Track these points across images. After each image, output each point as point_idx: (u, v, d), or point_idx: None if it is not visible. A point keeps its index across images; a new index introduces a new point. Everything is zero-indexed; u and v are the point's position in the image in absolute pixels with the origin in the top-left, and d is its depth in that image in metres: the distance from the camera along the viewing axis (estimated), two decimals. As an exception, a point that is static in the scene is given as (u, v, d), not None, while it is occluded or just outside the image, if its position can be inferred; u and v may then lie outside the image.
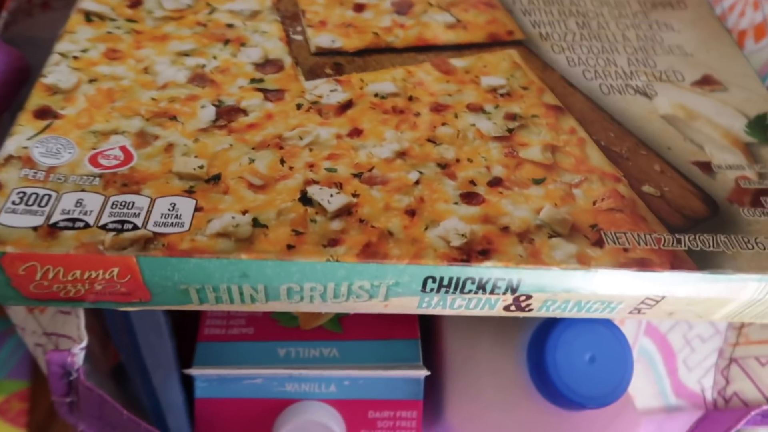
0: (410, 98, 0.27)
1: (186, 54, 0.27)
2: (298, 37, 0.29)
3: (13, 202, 0.21)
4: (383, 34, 0.30)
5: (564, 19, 0.32)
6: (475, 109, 0.27)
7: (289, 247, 0.21)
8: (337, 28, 0.30)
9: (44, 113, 0.24)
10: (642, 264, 0.22)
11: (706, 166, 0.26)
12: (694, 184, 0.25)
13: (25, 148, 0.22)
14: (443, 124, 0.26)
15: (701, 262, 0.22)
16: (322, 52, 0.29)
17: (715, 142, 0.27)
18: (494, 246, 0.22)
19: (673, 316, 0.24)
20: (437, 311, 0.23)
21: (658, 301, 0.23)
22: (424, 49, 0.30)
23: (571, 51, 0.31)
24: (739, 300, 0.23)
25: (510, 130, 0.26)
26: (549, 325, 0.25)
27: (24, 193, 0.21)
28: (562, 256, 0.22)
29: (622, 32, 0.32)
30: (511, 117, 0.27)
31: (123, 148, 0.23)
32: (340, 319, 0.27)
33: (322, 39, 0.29)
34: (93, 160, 0.23)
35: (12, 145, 0.22)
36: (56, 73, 0.25)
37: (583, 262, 0.22)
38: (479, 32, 0.31)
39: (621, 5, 0.34)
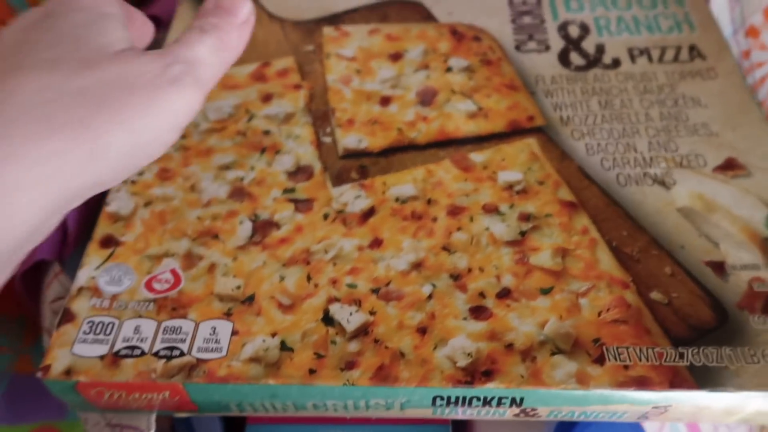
0: (429, 201, 0.29)
1: (227, 167, 0.31)
2: (328, 140, 0.32)
3: (84, 332, 0.25)
4: (407, 129, 0.32)
5: (587, 99, 0.33)
6: (491, 210, 0.29)
7: (311, 371, 0.24)
8: (364, 125, 0.32)
9: (108, 242, 0.28)
10: (641, 383, 0.23)
11: (719, 267, 0.27)
12: (705, 289, 0.26)
13: (93, 278, 0.26)
14: (458, 229, 0.28)
15: (702, 379, 0.23)
16: (349, 155, 0.31)
17: (731, 238, 0.27)
18: (497, 366, 0.24)
19: (684, 419, 0.25)
20: (452, 416, 0.25)
21: (663, 411, 0.24)
22: (445, 143, 0.32)
23: (591, 136, 0.32)
24: (746, 411, 0.24)
25: (523, 233, 0.28)
26: (569, 427, 0.26)
27: (93, 322, 0.25)
28: (562, 375, 0.23)
29: (646, 110, 0.33)
30: (525, 218, 0.29)
31: (173, 271, 0.27)
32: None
33: (349, 140, 0.32)
34: (148, 285, 0.26)
35: (83, 276, 0.26)
36: (117, 200, 0.29)
37: (582, 382, 0.23)
38: (500, 120, 0.33)
39: (647, 78, 0.34)
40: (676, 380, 0.23)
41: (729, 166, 0.30)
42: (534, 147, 0.31)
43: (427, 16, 0.38)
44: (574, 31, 0.37)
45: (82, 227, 0.29)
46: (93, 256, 0.27)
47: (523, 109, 0.33)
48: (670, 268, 0.27)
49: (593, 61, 0.35)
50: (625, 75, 0.34)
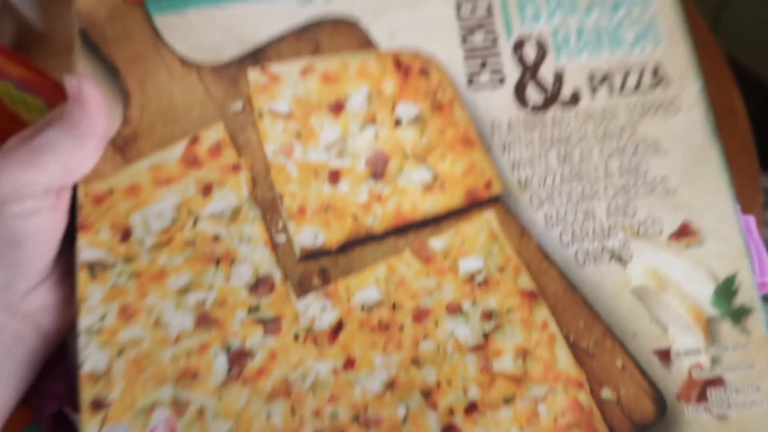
0: (394, 306, 0.33)
1: (186, 290, 0.33)
2: (282, 238, 0.34)
3: None
4: (362, 215, 0.34)
5: (545, 151, 0.35)
6: (454, 310, 0.33)
7: None
8: (316, 214, 0.34)
9: (98, 405, 0.31)
10: None
11: (665, 355, 0.32)
12: (650, 380, 0.32)
13: None
14: (425, 336, 0.32)
15: None
16: (307, 255, 0.34)
17: (679, 320, 0.32)
18: None
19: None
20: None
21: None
22: (402, 229, 0.34)
23: (549, 203, 0.34)
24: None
25: (486, 335, 0.32)
26: None
27: None
28: None
29: (605, 163, 0.35)
30: (488, 316, 0.33)
31: (167, 422, 0.31)
32: None
33: (304, 236, 0.34)
34: None
35: None
36: (90, 357, 0.32)
37: None
38: (457, 191, 0.35)
39: (608, 118, 0.35)
40: None
41: (683, 233, 0.33)
42: (493, 223, 0.34)
43: (366, 42, 0.37)
44: (530, 53, 0.36)
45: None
46: (88, 423, 0.31)
47: (480, 172, 0.35)
48: (621, 361, 0.32)
49: (551, 96, 0.36)
50: (585, 114, 0.35)
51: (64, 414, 0.34)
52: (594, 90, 0.35)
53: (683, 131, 0.34)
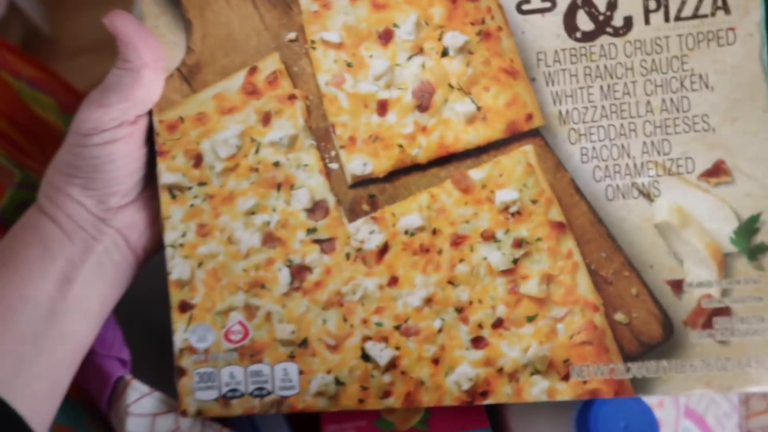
0: (434, 231, 0.37)
1: (252, 212, 0.38)
2: (335, 166, 0.37)
3: (197, 382, 0.38)
4: (407, 145, 0.37)
5: (589, 84, 0.35)
6: (488, 237, 0.36)
7: (360, 401, 0.37)
8: (366, 144, 0.37)
9: (184, 307, 0.38)
10: (593, 393, 0.35)
11: (677, 285, 0.35)
12: (660, 308, 0.35)
13: (185, 339, 0.38)
14: (461, 260, 0.37)
15: (639, 387, 0.35)
16: (357, 183, 0.37)
17: (696, 254, 0.35)
18: (491, 387, 0.36)
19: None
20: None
21: (612, 388, 0.37)
22: (445, 160, 0.37)
23: (587, 138, 0.36)
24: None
25: (515, 261, 0.36)
26: (590, 402, 0.36)
27: (200, 373, 0.38)
28: (537, 391, 0.36)
29: (648, 97, 0.35)
30: (518, 244, 0.36)
31: (241, 323, 0.38)
32: (426, 420, 0.40)
33: (355, 164, 0.37)
34: (227, 338, 0.38)
35: (178, 340, 0.38)
36: (176, 267, 0.38)
37: (551, 395, 0.36)
38: (499, 122, 0.36)
39: (657, 49, 0.35)
40: (619, 390, 0.35)
41: (715, 172, 0.34)
42: (530, 157, 0.36)
43: (416, -38, 0.36)
44: None
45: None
46: (178, 322, 0.38)
47: (522, 104, 0.36)
48: (636, 289, 0.35)
49: (602, 23, 0.35)
50: (634, 45, 0.35)
51: (122, 383, 0.38)
52: (648, 16, 0.33)
53: (734, 65, 0.33)
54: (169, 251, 0.36)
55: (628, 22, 0.33)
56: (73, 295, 0.34)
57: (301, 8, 0.35)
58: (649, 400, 0.38)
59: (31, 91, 0.48)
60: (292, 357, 0.36)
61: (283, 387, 0.36)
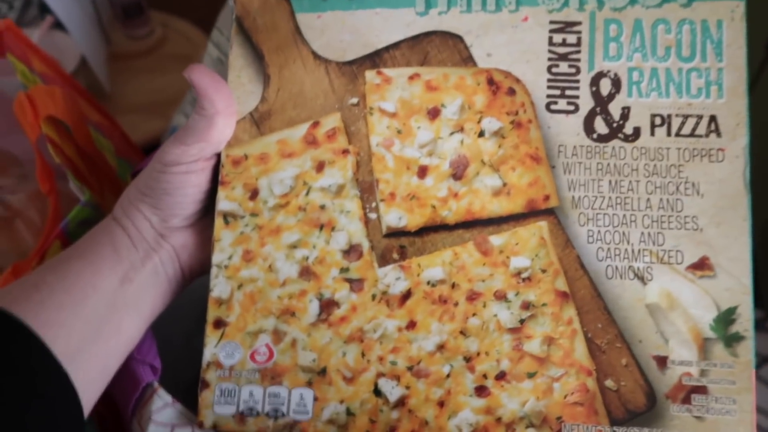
0: (453, 285, 0.37)
1: (295, 246, 0.38)
2: (373, 216, 0.38)
3: (218, 396, 0.37)
4: (439, 207, 0.38)
5: (600, 177, 0.37)
6: (500, 297, 0.37)
7: None
8: (404, 200, 0.38)
9: (218, 324, 0.37)
10: None
11: (662, 361, 0.36)
12: (646, 379, 0.36)
13: (214, 354, 0.37)
14: (474, 314, 0.37)
15: None
16: (391, 233, 0.38)
17: (680, 336, 0.36)
18: None
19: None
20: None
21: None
22: (470, 224, 0.38)
23: (594, 222, 0.37)
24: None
25: (522, 321, 0.36)
26: None
27: (221, 388, 0.37)
28: None
29: (648, 195, 0.37)
30: (526, 306, 0.37)
31: (267, 346, 0.37)
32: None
33: (391, 217, 0.38)
34: (252, 358, 0.37)
35: (208, 353, 0.37)
36: (217, 285, 0.37)
37: None
38: (520, 198, 0.38)
39: (659, 156, 0.37)
40: None
41: (700, 266, 0.36)
42: (544, 232, 0.37)
43: (467, 57, 0.38)
44: (605, 87, 0.37)
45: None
46: (210, 336, 0.37)
47: (542, 186, 0.37)
48: (625, 360, 0.36)
49: (615, 129, 0.37)
50: (640, 150, 0.37)
51: (150, 390, 0.38)
52: (653, 129, 0.36)
53: (722, 179, 0.35)
54: (214, 270, 0.36)
55: (637, 131, 0.36)
56: (131, 294, 0.35)
57: (366, 79, 0.37)
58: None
59: (95, 133, 0.49)
60: (309, 383, 0.35)
61: (297, 411, 0.35)
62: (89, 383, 0.34)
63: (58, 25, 0.63)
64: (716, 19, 0.37)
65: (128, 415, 0.37)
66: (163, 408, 0.36)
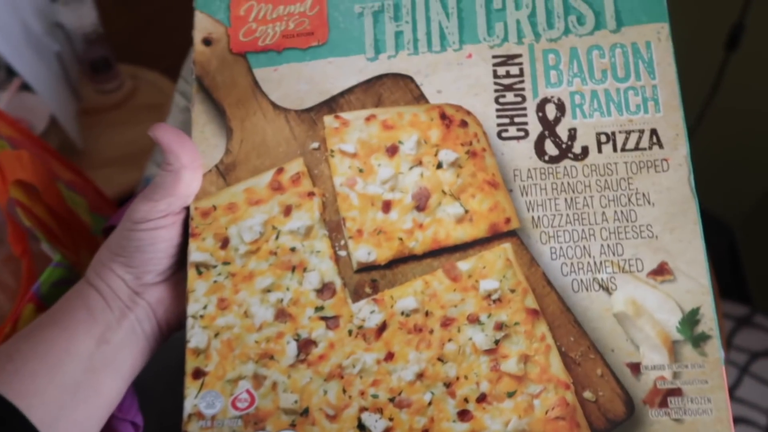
0: (426, 313, 0.36)
1: (268, 289, 0.37)
2: (343, 253, 0.38)
3: None
4: (406, 239, 0.37)
5: (555, 196, 0.37)
6: (473, 320, 0.36)
7: None
8: (371, 236, 0.38)
9: (197, 374, 0.36)
10: None
11: (636, 368, 0.35)
12: (623, 387, 0.35)
13: (195, 405, 0.35)
14: (449, 340, 0.36)
15: None
16: (361, 268, 0.37)
17: (649, 341, 0.35)
18: None
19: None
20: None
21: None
22: (437, 252, 0.37)
23: (555, 240, 0.37)
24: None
25: (497, 342, 0.36)
26: None
27: None
28: None
29: (603, 209, 0.37)
30: (499, 327, 0.36)
31: (248, 392, 0.36)
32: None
33: (360, 253, 0.37)
34: (234, 405, 0.36)
35: (188, 405, 0.35)
36: (194, 336, 0.36)
37: None
38: (482, 223, 0.38)
39: (609, 171, 0.37)
40: None
41: (660, 272, 0.36)
42: (509, 253, 0.37)
43: (419, 96, 0.39)
44: (551, 112, 0.38)
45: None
46: (190, 387, 0.35)
47: (502, 210, 0.37)
48: (600, 370, 0.35)
49: (565, 150, 0.38)
50: (590, 167, 0.37)
51: None
52: (600, 147, 0.37)
53: (669, 187, 0.36)
54: (189, 321, 0.36)
55: (585, 150, 0.37)
56: (108, 355, 0.35)
57: (324, 124, 0.38)
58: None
59: (67, 191, 0.48)
60: (293, 425, 0.34)
61: (282, 455, 0.33)
62: None
63: (25, 87, 0.63)
64: (645, 41, 0.39)
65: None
66: (146, 466, 0.34)
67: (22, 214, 0.39)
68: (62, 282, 0.38)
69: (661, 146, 0.38)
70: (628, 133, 0.38)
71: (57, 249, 0.41)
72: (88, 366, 0.35)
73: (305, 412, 0.36)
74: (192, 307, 0.37)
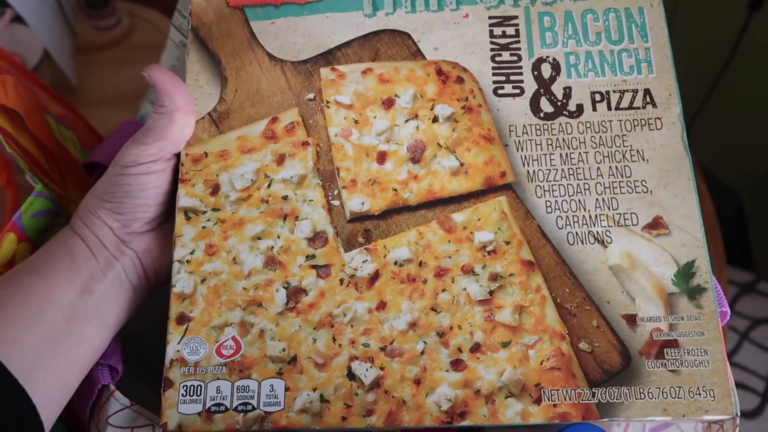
0: (420, 264, 0.36)
1: (259, 237, 0.37)
2: (336, 203, 0.37)
3: (182, 395, 0.34)
4: (401, 189, 0.37)
5: (551, 152, 0.38)
6: (468, 271, 0.36)
7: (343, 418, 0.33)
8: (365, 186, 0.37)
9: (182, 319, 0.35)
10: (563, 417, 0.33)
11: (632, 319, 0.35)
12: (619, 338, 0.35)
13: (178, 351, 0.34)
14: (443, 290, 0.36)
15: (605, 411, 0.33)
16: (355, 218, 0.37)
17: (645, 293, 0.35)
18: (468, 408, 0.34)
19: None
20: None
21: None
22: (432, 204, 0.37)
23: (550, 193, 0.37)
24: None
25: (491, 293, 0.36)
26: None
27: (186, 386, 0.34)
28: (512, 414, 0.33)
29: (598, 165, 0.38)
30: (494, 278, 0.36)
31: (234, 339, 0.35)
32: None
33: (354, 202, 0.37)
34: (218, 352, 0.35)
35: (171, 350, 0.34)
36: (180, 281, 0.36)
37: (524, 418, 0.33)
38: (478, 176, 0.38)
39: (603, 129, 0.38)
40: (587, 414, 0.33)
41: (655, 226, 0.36)
42: (504, 206, 0.37)
43: (416, 52, 0.40)
44: (546, 71, 0.39)
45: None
46: (174, 333, 0.35)
47: (497, 164, 0.38)
48: (596, 321, 0.35)
49: (560, 108, 0.38)
50: (585, 125, 0.38)
51: (106, 393, 0.36)
52: (595, 105, 0.38)
53: (663, 144, 0.37)
54: (176, 266, 0.35)
55: (580, 108, 0.38)
56: (92, 305, 0.33)
57: (321, 76, 0.39)
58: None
59: (56, 125, 0.48)
60: (280, 374, 0.33)
61: (268, 403, 0.33)
62: (49, 398, 0.31)
63: (19, 19, 0.60)
64: (638, 6, 0.40)
65: (86, 419, 0.34)
66: (119, 411, 0.33)
67: (4, 140, 0.38)
68: (44, 213, 0.37)
69: (654, 105, 0.39)
70: (622, 92, 0.39)
71: (38, 178, 0.40)
72: (69, 315, 0.33)
73: (293, 360, 0.35)
74: (179, 252, 0.37)
